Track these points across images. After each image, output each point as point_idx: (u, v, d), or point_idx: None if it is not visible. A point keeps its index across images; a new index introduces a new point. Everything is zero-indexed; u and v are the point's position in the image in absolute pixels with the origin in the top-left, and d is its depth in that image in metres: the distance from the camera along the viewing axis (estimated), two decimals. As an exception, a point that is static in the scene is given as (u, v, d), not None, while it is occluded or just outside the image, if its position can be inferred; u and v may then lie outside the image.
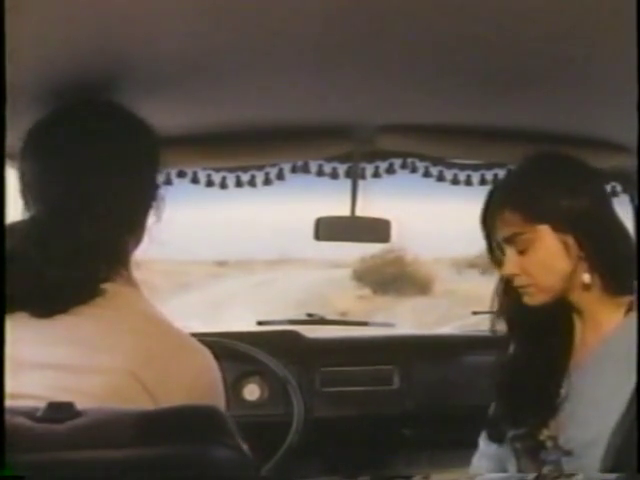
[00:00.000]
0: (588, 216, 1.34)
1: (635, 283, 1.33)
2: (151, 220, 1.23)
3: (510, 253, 1.38)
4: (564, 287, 1.36)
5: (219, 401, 1.17)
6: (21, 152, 1.17)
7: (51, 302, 1.06)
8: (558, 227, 1.34)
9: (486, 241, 1.44)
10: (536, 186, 1.38)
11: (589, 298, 1.36)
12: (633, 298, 1.33)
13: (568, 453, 1.31)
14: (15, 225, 1.09)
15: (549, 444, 1.35)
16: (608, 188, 1.91)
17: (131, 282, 1.17)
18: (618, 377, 1.24)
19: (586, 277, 1.34)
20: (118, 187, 1.16)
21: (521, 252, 1.37)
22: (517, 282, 1.38)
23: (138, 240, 1.22)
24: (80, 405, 0.83)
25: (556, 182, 1.37)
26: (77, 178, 1.14)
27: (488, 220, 1.41)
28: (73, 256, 1.08)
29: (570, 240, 1.34)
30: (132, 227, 1.20)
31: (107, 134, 1.17)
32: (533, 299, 1.38)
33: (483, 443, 1.56)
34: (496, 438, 1.47)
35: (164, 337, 1.11)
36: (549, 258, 1.36)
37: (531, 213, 1.35)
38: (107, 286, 1.10)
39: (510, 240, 1.37)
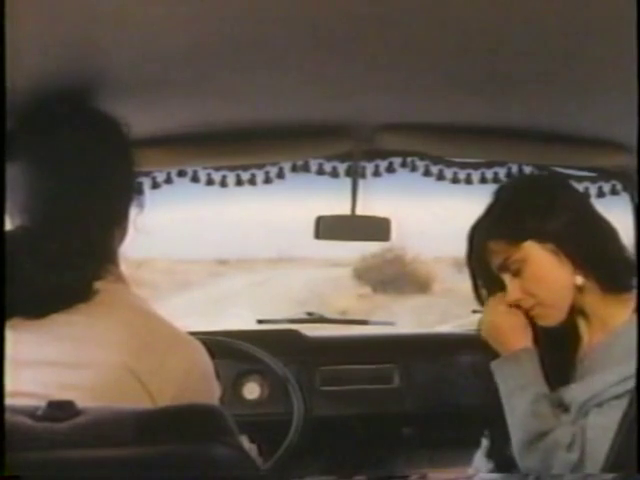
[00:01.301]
0: (568, 222, 1.35)
1: (630, 277, 1.34)
2: (134, 212, 1.24)
3: (507, 279, 1.40)
4: (572, 298, 1.37)
5: (213, 393, 1.18)
6: None
7: (44, 306, 1.07)
8: (541, 239, 1.36)
9: (472, 281, 1.47)
10: (510, 209, 1.41)
11: (592, 300, 1.36)
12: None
13: (565, 410, 1.33)
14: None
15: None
16: (603, 188, 1.91)
17: (120, 278, 1.18)
18: (624, 370, 1.25)
19: (578, 279, 1.35)
20: (96, 185, 1.16)
21: (515, 274, 1.38)
22: (523, 305, 1.40)
23: (123, 234, 1.23)
24: (77, 401, 0.83)
25: (529, 198, 1.40)
26: (55, 181, 1.15)
27: (474, 259, 1.43)
28: (61, 259, 1.09)
29: (555, 248, 1.35)
30: (115, 222, 1.21)
31: (79, 135, 1.18)
32: (546, 320, 1.40)
33: (486, 441, 1.56)
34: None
35: (155, 330, 1.12)
36: (543, 270, 1.37)
37: (513, 235, 1.37)
38: (97, 284, 1.11)
39: (503, 267, 1.39)
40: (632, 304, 1.35)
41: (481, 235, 1.42)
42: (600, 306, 1.36)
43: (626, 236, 1.42)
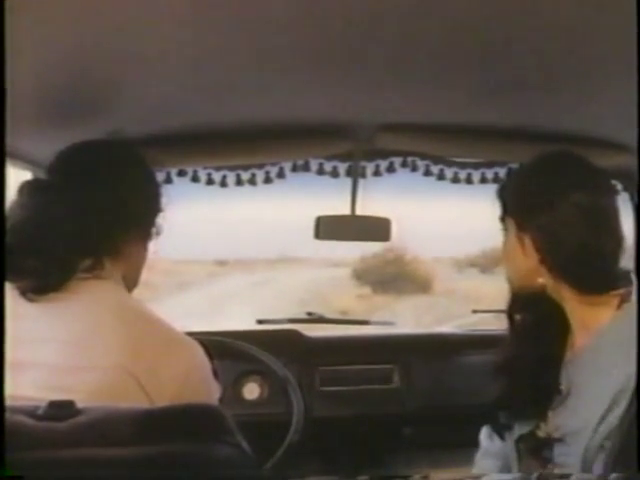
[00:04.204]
0: (546, 219, 1.33)
1: (606, 280, 1.32)
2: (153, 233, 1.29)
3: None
4: (523, 282, 1.39)
5: (211, 393, 1.19)
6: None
7: (46, 280, 1.09)
8: (520, 223, 1.37)
9: None
10: (514, 180, 1.47)
11: (568, 300, 1.36)
12: (621, 292, 1.32)
13: (559, 440, 1.32)
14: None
15: (541, 434, 1.36)
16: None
17: (117, 279, 1.18)
18: (609, 368, 1.24)
19: (540, 279, 1.35)
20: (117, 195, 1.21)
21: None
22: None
23: (136, 246, 1.24)
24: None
25: (528, 180, 1.40)
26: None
27: None
28: (59, 249, 1.12)
29: (527, 240, 1.35)
30: (129, 231, 1.21)
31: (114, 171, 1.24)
32: (509, 286, 1.44)
33: (485, 441, 1.56)
34: (499, 433, 1.48)
35: (152, 332, 1.12)
36: (508, 250, 1.41)
37: (507, 205, 1.41)
38: (95, 283, 1.12)
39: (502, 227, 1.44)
40: (614, 304, 1.32)
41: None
42: (577, 307, 1.35)
43: (626, 236, 1.40)
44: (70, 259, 1.12)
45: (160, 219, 1.30)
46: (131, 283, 1.26)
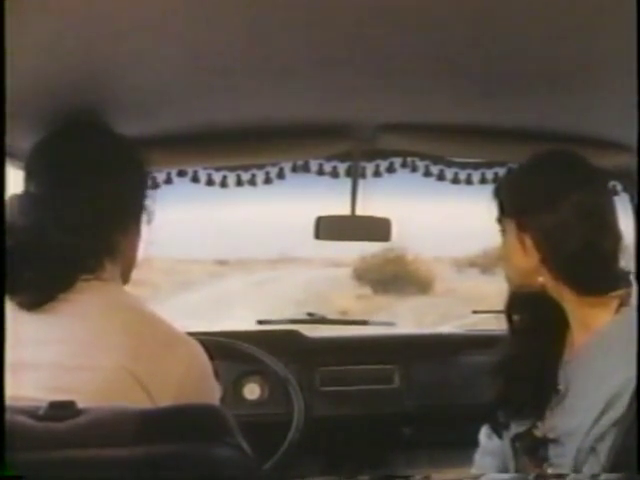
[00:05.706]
0: (548, 218, 1.33)
1: (605, 281, 1.32)
2: (144, 221, 1.26)
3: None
4: (523, 282, 1.39)
5: (212, 392, 1.19)
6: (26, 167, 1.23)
7: (43, 290, 1.08)
8: (520, 225, 1.36)
9: None
10: (513, 180, 1.45)
11: (568, 301, 1.36)
12: (621, 294, 1.32)
13: (554, 441, 1.32)
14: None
15: (538, 434, 1.36)
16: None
17: (117, 279, 1.18)
18: (605, 373, 1.25)
19: (540, 278, 1.36)
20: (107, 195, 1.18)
21: (502, 234, 1.44)
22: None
23: (130, 239, 1.23)
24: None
25: (528, 180, 1.39)
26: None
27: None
28: (60, 249, 1.11)
29: (528, 240, 1.35)
30: (123, 226, 1.21)
31: (97, 154, 1.21)
32: (508, 285, 1.45)
33: (484, 439, 1.56)
34: (497, 431, 1.48)
35: (153, 331, 1.12)
36: (508, 250, 1.40)
37: (505, 206, 1.41)
38: (97, 284, 1.12)
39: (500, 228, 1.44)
40: (614, 305, 1.32)
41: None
42: (577, 307, 1.35)
43: (626, 236, 1.41)
44: (69, 270, 1.11)
45: (150, 203, 1.27)
46: (126, 277, 1.26)
